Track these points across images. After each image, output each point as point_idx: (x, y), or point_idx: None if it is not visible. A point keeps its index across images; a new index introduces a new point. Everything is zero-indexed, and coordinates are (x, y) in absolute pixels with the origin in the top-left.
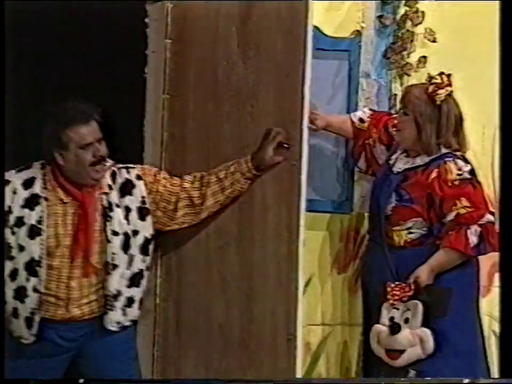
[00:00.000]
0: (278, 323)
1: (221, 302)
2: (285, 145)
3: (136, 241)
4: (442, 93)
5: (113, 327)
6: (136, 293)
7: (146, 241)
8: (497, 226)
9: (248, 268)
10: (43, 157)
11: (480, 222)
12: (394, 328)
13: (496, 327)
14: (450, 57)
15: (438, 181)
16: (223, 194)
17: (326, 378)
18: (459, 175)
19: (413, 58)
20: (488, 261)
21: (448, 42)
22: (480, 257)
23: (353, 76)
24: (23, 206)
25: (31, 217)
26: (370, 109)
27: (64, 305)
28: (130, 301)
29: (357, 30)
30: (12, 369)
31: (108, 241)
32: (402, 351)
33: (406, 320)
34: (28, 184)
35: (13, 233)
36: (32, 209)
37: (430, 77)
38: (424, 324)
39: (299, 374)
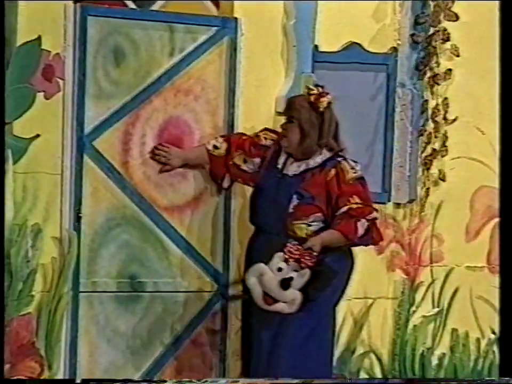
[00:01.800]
0: None
1: None
2: None
3: None
4: (324, 100)
5: None
6: None
7: None
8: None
9: None
10: None
11: (368, 217)
12: (285, 284)
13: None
14: (472, 69)
15: (337, 179)
16: None
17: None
18: (354, 173)
19: (441, 69)
20: None
21: (470, 56)
22: None
23: (391, 86)
24: None
25: None
26: (222, 136)
27: None
28: None
29: (394, 47)
30: None
31: None
32: (276, 301)
33: (290, 278)
34: None
35: None
36: None
37: (308, 88)
38: (301, 289)
39: None
